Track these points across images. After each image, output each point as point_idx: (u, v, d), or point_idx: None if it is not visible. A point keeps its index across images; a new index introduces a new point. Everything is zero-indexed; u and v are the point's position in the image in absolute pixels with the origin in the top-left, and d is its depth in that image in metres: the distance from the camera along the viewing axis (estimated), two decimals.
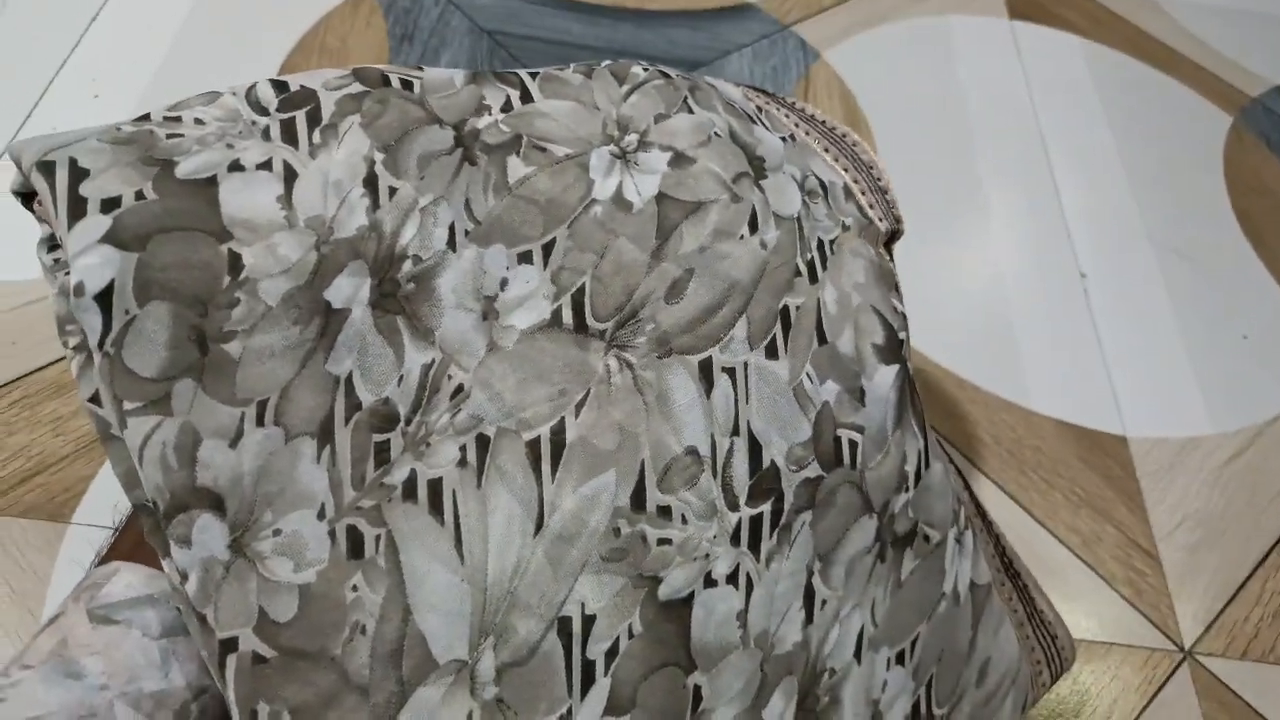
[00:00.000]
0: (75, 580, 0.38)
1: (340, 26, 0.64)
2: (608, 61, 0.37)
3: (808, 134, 0.39)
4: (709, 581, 0.30)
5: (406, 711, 0.26)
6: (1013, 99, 0.68)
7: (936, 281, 0.59)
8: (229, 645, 0.25)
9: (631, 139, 0.34)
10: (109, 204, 0.26)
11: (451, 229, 0.30)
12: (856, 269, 0.35)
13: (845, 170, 0.38)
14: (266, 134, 0.29)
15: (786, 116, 0.39)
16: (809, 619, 0.31)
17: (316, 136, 0.30)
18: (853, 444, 0.33)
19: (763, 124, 0.37)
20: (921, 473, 0.34)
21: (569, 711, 0.28)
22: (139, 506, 0.27)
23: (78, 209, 0.26)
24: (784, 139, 0.37)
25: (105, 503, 0.43)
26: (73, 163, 0.27)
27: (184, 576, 0.26)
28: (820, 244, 0.35)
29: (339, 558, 0.27)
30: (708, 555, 0.30)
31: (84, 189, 0.27)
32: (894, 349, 0.34)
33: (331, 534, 0.27)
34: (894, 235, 0.37)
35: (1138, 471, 0.51)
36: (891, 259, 0.37)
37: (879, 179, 0.38)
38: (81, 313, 0.26)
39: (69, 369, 0.47)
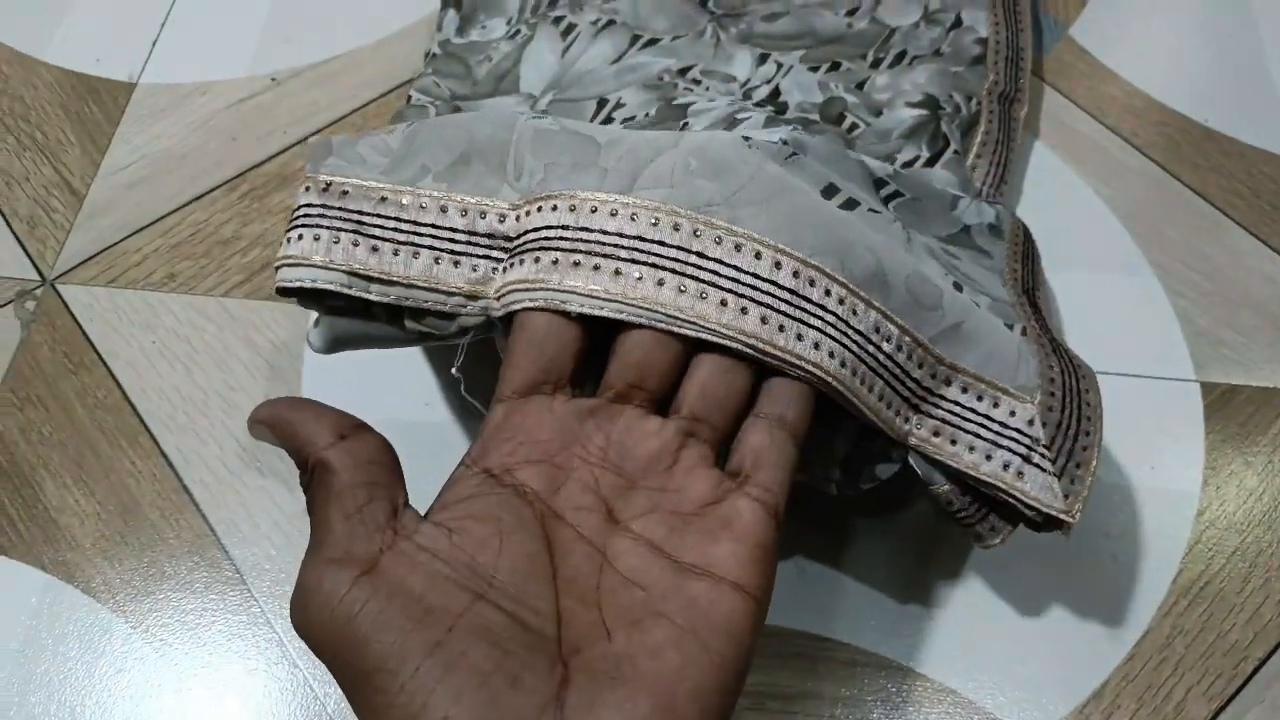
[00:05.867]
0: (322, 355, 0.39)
1: None
2: None
3: (994, 3, 0.49)
4: (706, 108, 0.41)
5: (486, 102, 0.44)
6: None
7: (1176, 21, 0.53)
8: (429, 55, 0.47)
9: None
10: None
11: None
12: (921, 76, 0.45)
13: (997, 33, 0.48)
14: None
15: None
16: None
17: None
18: (854, 124, 0.43)
19: None
20: (914, 166, 0.42)
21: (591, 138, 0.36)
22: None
23: None
24: None
25: None
26: None
27: (440, 28, 0.48)
28: (902, 54, 0.47)
29: (504, 39, 0.47)
30: (713, 99, 0.42)
31: None
32: (930, 108, 0.44)
33: (507, 30, 0.47)
34: (1008, 97, 0.47)
35: None
36: (1012, 119, 0.46)
37: (1021, 53, 0.48)
38: None
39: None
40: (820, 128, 0.42)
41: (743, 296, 0.27)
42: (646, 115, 0.42)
